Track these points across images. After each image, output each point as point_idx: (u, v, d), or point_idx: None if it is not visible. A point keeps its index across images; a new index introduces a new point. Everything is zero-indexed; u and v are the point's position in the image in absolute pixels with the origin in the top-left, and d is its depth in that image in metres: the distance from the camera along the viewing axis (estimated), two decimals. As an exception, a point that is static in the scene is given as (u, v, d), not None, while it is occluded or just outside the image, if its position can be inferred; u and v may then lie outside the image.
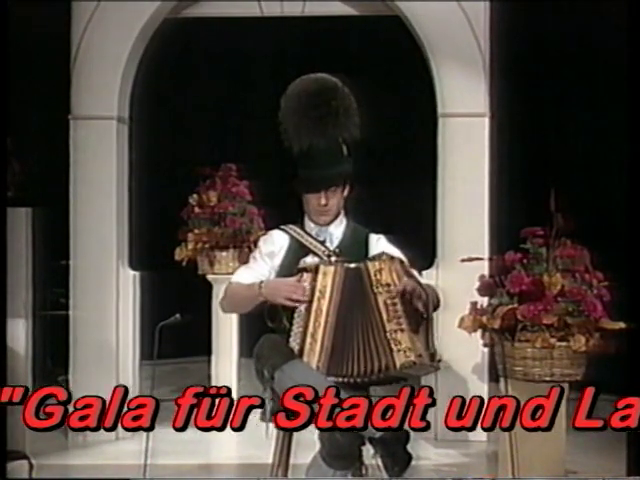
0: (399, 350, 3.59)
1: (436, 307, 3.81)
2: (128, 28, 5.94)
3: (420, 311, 3.66)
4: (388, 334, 3.61)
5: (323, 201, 3.82)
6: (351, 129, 3.86)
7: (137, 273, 6.10)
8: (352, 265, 3.73)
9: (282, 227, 3.96)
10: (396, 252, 3.89)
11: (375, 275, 3.67)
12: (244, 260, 6.19)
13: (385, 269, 3.68)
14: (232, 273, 6.06)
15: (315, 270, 3.67)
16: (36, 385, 7.08)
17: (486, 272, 4.65)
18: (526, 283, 4.26)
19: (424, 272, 5.83)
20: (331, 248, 3.86)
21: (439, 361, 3.71)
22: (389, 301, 3.65)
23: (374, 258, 3.73)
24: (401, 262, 3.76)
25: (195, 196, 6.51)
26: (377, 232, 3.98)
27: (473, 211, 5.87)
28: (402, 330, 3.62)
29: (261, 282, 3.78)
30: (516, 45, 6.78)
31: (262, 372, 3.68)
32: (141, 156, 6.44)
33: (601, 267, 4.40)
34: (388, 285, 3.66)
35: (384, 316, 3.64)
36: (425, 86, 6.00)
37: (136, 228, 6.35)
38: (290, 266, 3.80)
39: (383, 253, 3.74)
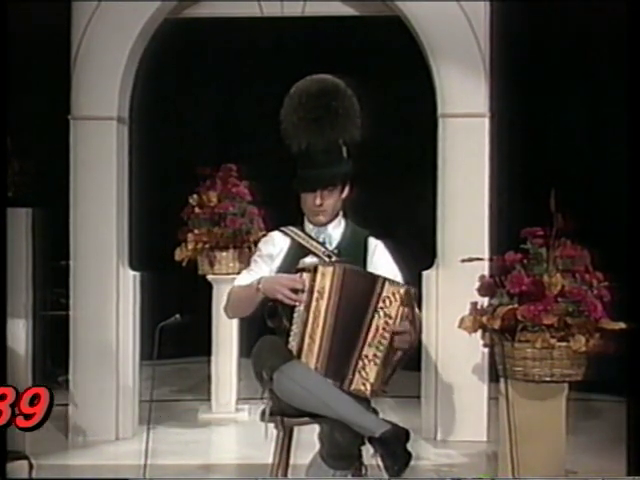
0: (360, 377, 3.60)
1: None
2: (128, 28, 5.94)
3: (399, 349, 3.66)
4: (362, 358, 3.61)
5: (318, 201, 3.81)
6: (351, 131, 3.85)
7: (137, 273, 6.10)
8: (365, 272, 3.71)
9: (282, 229, 3.95)
10: (392, 264, 3.88)
11: (384, 301, 3.63)
12: (244, 260, 6.21)
13: (396, 302, 3.64)
14: (232, 273, 6.19)
15: (314, 270, 3.66)
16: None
17: (486, 272, 4.65)
18: (526, 283, 4.26)
19: (424, 272, 5.86)
20: (330, 249, 3.86)
21: (385, 392, 3.70)
22: (381, 330, 3.63)
23: (394, 284, 3.67)
24: (408, 296, 3.70)
25: (195, 196, 6.51)
26: (377, 232, 3.96)
27: (473, 211, 5.87)
28: (375, 363, 3.61)
29: (260, 278, 3.76)
30: (516, 45, 6.78)
31: (261, 374, 3.67)
32: (141, 156, 6.43)
33: (601, 267, 4.39)
34: (389, 317, 3.63)
35: (369, 338, 3.62)
36: (425, 86, 6.00)
37: (136, 228, 6.35)
38: (289, 267, 3.78)
39: (405, 286, 3.69)
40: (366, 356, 3.61)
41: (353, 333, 3.62)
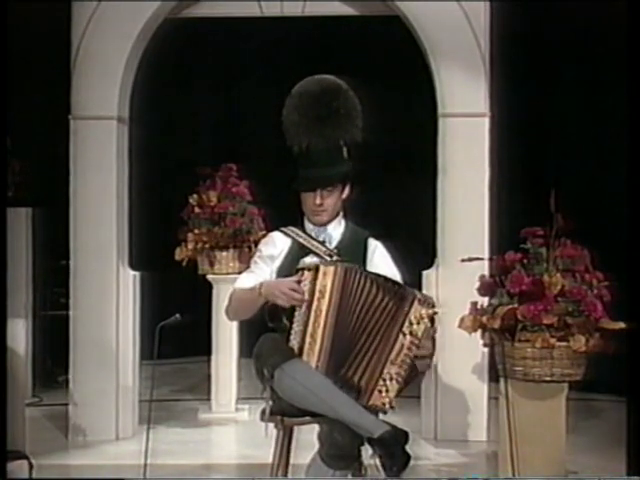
0: (380, 394, 3.61)
1: None
2: (128, 28, 5.94)
3: (416, 370, 3.68)
4: (384, 374, 3.62)
5: (318, 200, 3.81)
6: (352, 131, 3.85)
7: (137, 273, 6.09)
8: (387, 281, 3.69)
9: (282, 229, 3.95)
10: (392, 265, 3.88)
11: (411, 322, 3.64)
12: (244, 260, 6.21)
13: (425, 323, 3.65)
14: (232, 273, 6.19)
15: (315, 270, 3.65)
16: (36, 385, 7.12)
17: (486, 272, 4.64)
18: (526, 283, 4.26)
19: (424, 272, 5.86)
20: (330, 248, 3.86)
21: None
22: (406, 350, 3.64)
23: (424, 303, 3.67)
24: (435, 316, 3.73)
25: (195, 196, 6.51)
26: (377, 233, 3.96)
27: (473, 211, 5.86)
28: (397, 381, 3.62)
29: (262, 282, 3.77)
30: (516, 45, 6.78)
31: (262, 371, 3.67)
32: (141, 156, 6.43)
33: (601, 267, 4.39)
34: (416, 337, 3.63)
35: (392, 355, 3.63)
36: (425, 86, 6.00)
37: (136, 228, 6.35)
38: (290, 268, 3.77)
39: (434, 305, 3.70)
40: (388, 374, 3.62)
41: (374, 344, 3.63)
